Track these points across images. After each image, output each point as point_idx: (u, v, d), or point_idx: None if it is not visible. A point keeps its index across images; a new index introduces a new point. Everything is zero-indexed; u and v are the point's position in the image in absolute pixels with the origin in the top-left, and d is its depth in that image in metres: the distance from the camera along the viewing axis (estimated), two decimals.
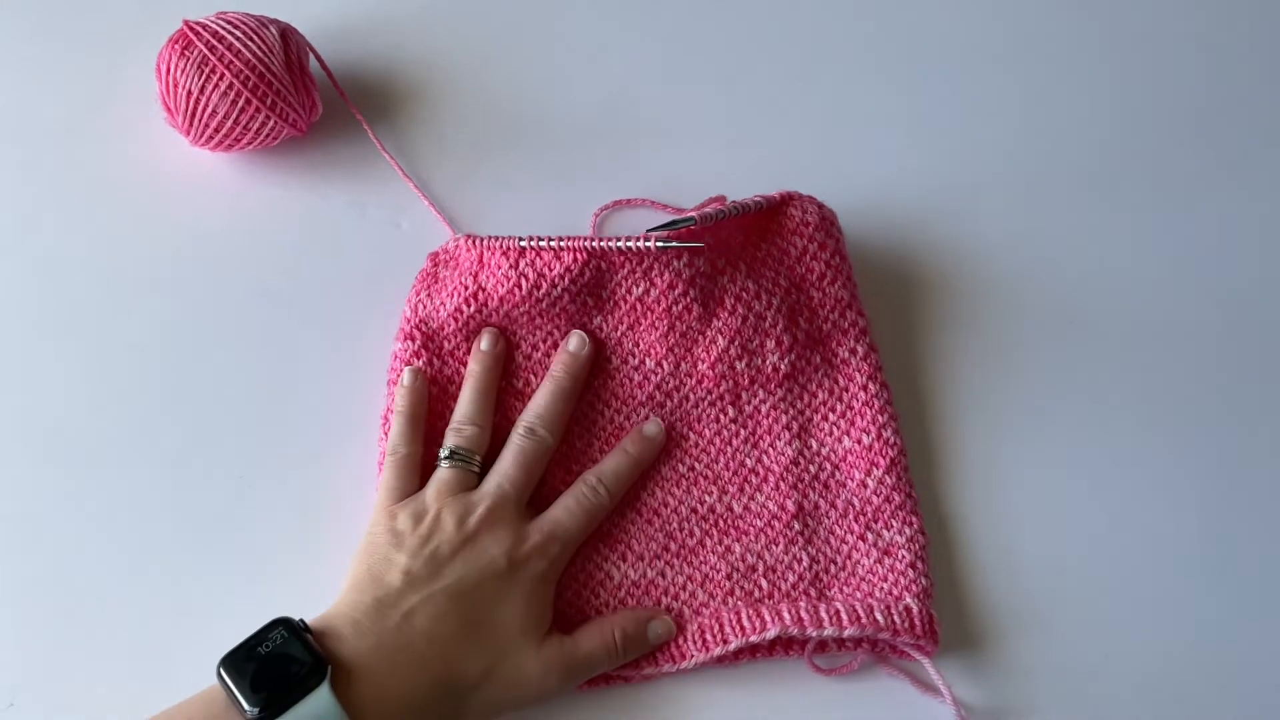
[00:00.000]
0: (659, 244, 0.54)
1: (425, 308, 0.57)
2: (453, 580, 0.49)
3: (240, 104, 0.59)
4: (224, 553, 0.55)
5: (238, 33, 0.59)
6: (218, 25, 0.59)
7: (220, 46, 0.59)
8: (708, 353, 0.57)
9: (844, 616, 0.50)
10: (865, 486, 0.55)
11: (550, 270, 0.55)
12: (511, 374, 0.57)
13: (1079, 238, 0.64)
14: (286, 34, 0.61)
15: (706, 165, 0.65)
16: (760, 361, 0.57)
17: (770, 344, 0.57)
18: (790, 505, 0.55)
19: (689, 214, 0.55)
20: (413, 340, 0.57)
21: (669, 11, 0.71)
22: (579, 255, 0.55)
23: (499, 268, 0.55)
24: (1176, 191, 0.66)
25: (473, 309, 0.56)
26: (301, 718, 0.43)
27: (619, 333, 0.58)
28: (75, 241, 0.63)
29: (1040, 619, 0.54)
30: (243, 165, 0.64)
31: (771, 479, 0.56)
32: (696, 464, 0.56)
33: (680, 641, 0.52)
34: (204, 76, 0.59)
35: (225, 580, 0.55)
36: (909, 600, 0.51)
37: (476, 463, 0.53)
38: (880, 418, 0.56)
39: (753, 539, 0.55)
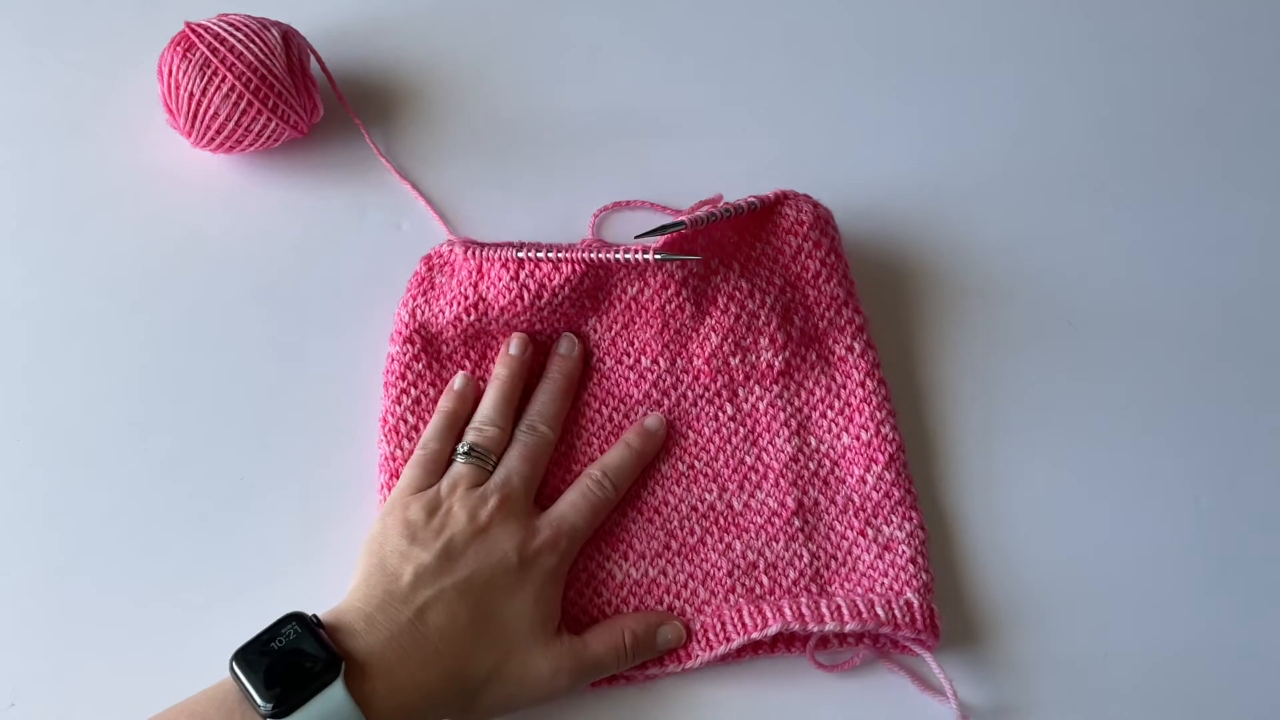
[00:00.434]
0: (656, 256, 0.54)
1: (424, 313, 0.57)
2: (464, 575, 0.49)
3: (242, 106, 0.59)
4: (225, 552, 0.55)
5: (239, 35, 0.59)
6: (219, 27, 0.60)
7: (222, 48, 0.59)
8: (701, 349, 0.57)
9: (845, 612, 0.50)
10: (865, 482, 0.55)
11: (551, 281, 0.55)
12: None
13: (1077, 235, 0.65)
14: (288, 36, 0.61)
15: (705, 165, 0.66)
16: (754, 358, 0.57)
17: (764, 341, 0.57)
18: (790, 502, 0.55)
19: (680, 218, 0.55)
20: (412, 344, 0.57)
21: (667, 12, 0.72)
22: (578, 266, 0.55)
23: (499, 279, 0.56)
24: (1175, 191, 0.66)
25: (473, 318, 0.56)
26: (315, 715, 0.43)
27: (614, 332, 0.58)
28: (76, 242, 0.63)
29: (1040, 614, 0.54)
30: (243, 167, 0.65)
31: (771, 476, 0.56)
32: (696, 462, 0.57)
33: (685, 643, 0.52)
34: (205, 78, 0.59)
35: (226, 580, 0.54)
36: (910, 595, 0.52)
37: (492, 462, 0.53)
38: (879, 414, 0.56)
39: (753, 536, 0.55)
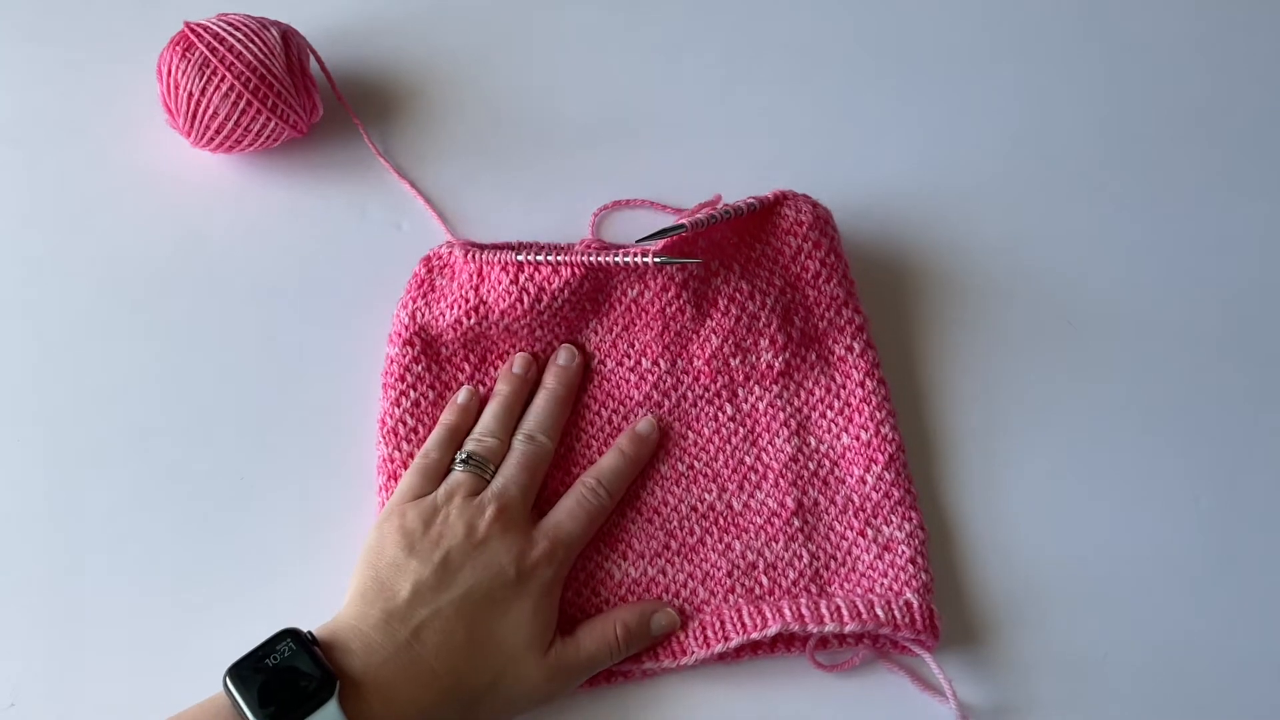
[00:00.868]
0: (657, 260, 0.54)
1: (424, 315, 0.57)
2: (462, 590, 0.48)
3: (241, 106, 0.59)
4: (225, 552, 0.55)
5: (239, 34, 0.59)
6: (219, 27, 0.60)
7: (221, 48, 0.59)
8: (702, 350, 0.57)
9: (845, 612, 0.50)
10: (864, 482, 0.55)
11: (550, 284, 0.55)
12: None
13: (1077, 235, 0.65)
14: (287, 36, 0.61)
15: (705, 165, 0.66)
16: (755, 359, 0.57)
17: (764, 342, 0.57)
18: (790, 502, 0.55)
19: (680, 221, 0.55)
20: (412, 346, 0.57)
21: (667, 13, 0.72)
22: (578, 269, 0.55)
23: (499, 283, 0.56)
24: (1175, 191, 0.66)
25: (473, 321, 0.56)
26: None
27: (614, 334, 0.58)
28: (75, 242, 0.63)
29: (1040, 614, 0.54)
30: (243, 166, 0.65)
31: (771, 476, 0.56)
32: (696, 462, 0.56)
33: (681, 637, 0.52)
34: (205, 78, 0.59)
35: (226, 580, 0.54)
36: (909, 595, 0.51)
37: (491, 471, 0.53)
38: (878, 414, 0.56)
39: (753, 536, 0.55)
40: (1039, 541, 0.56)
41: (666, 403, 0.57)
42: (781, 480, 0.56)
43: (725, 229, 0.58)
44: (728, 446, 0.57)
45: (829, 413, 0.57)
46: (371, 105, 0.67)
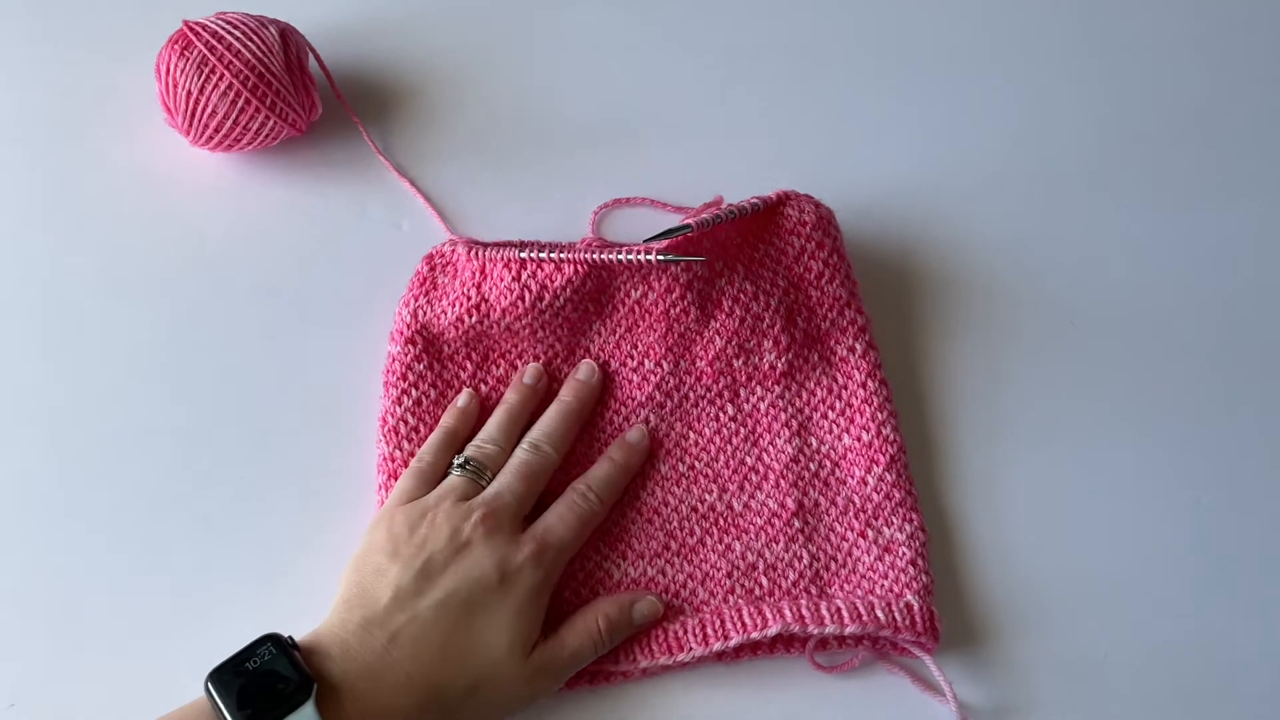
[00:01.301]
0: (660, 257, 0.54)
1: (425, 314, 0.57)
2: (440, 596, 0.48)
3: (240, 104, 0.59)
4: (225, 552, 0.55)
5: (237, 33, 0.59)
6: (217, 25, 0.59)
7: (220, 47, 0.59)
8: (705, 352, 0.57)
9: (845, 614, 0.50)
10: (865, 484, 0.55)
11: (553, 282, 0.55)
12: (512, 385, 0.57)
13: (1078, 236, 0.65)
14: (286, 34, 0.61)
15: (705, 165, 0.65)
16: (758, 360, 0.57)
17: (768, 344, 0.57)
18: (790, 503, 0.55)
19: (686, 221, 0.55)
20: (414, 345, 0.57)
21: (667, 12, 0.72)
22: (580, 267, 0.55)
23: (501, 280, 0.56)
24: (1176, 191, 0.66)
25: (475, 319, 0.56)
26: None
27: (617, 335, 0.58)
28: (75, 241, 0.63)
29: (1040, 615, 0.54)
30: (242, 165, 0.65)
31: (771, 477, 0.56)
32: (696, 462, 0.56)
33: (679, 632, 0.52)
34: (203, 77, 0.59)
35: (226, 580, 0.54)
36: (909, 597, 0.51)
37: (488, 477, 0.53)
38: (880, 415, 0.56)
39: (753, 537, 0.55)
40: (1039, 542, 0.56)
41: (669, 403, 0.57)
42: (782, 481, 0.56)
43: (729, 229, 0.58)
44: (729, 447, 0.57)
45: (830, 414, 0.57)
46: (371, 104, 0.67)
